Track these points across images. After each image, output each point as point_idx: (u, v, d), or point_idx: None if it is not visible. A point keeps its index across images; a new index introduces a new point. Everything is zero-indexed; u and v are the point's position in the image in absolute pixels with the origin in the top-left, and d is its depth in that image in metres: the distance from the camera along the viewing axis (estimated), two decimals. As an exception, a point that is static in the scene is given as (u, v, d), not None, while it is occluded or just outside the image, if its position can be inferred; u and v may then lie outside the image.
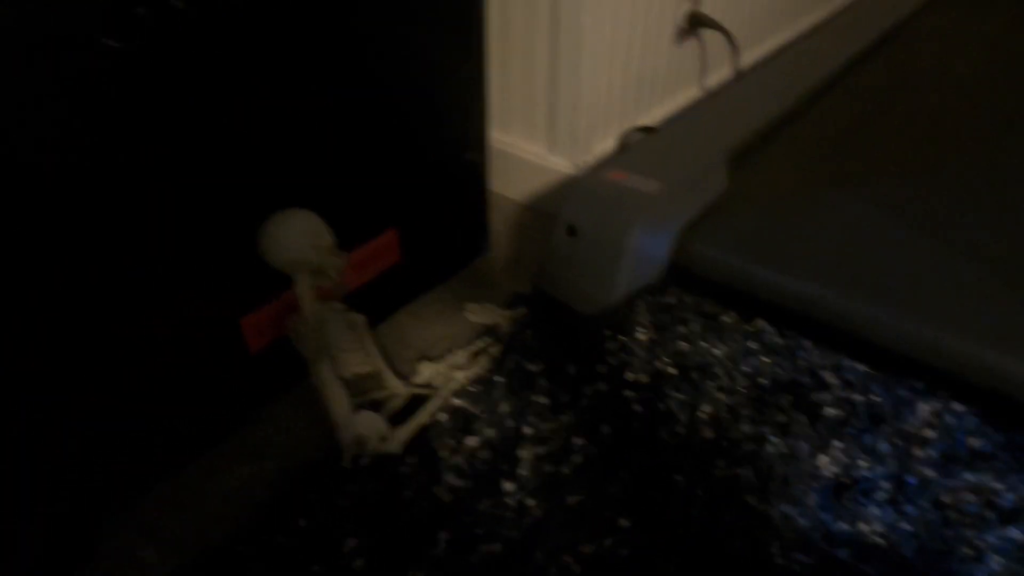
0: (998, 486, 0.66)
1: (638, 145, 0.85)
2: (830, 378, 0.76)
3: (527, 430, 0.73)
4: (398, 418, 0.74)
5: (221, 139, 0.64)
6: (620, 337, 0.82)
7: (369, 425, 0.68)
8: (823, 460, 0.68)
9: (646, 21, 1.10)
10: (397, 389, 0.74)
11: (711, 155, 0.80)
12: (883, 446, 0.69)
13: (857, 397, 0.74)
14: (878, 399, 0.74)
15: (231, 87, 0.63)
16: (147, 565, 0.62)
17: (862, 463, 0.68)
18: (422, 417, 0.72)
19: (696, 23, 1.22)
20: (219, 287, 0.69)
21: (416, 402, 0.76)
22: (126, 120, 0.56)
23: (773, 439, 0.70)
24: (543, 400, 0.76)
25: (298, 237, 0.66)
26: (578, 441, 0.72)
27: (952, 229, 0.83)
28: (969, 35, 1.30)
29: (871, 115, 1.01)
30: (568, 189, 0.78)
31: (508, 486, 0.67)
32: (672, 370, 0.78)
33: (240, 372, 0.74)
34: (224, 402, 0.74)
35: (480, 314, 0.87)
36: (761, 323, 0.84)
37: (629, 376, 0.78)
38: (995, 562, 0.60)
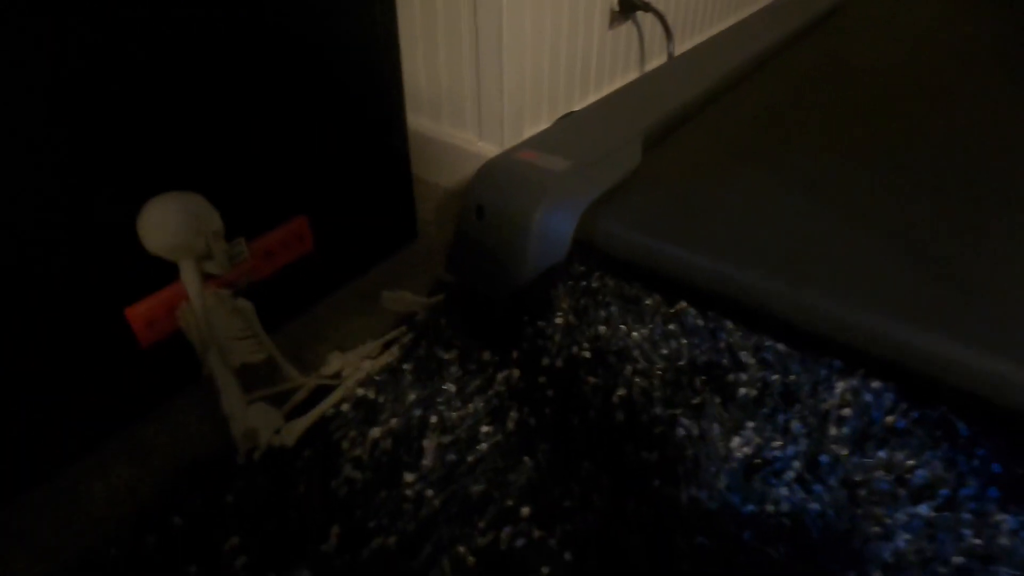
0: (911, 463, 0.64)
1: (554, 126, 0.83)
2: (747, 358, 0.74)
3: (434, 419, 0.70)
4: (302, 410, 0.71)
5: (104, 109, 0.60)
6: (538, 322, 0.80)
7: (261, 417, 0.65)
8: (735, 441, 0.66)
9: (573, 4, 1.08)
10: (298, 380, 0.71)
11: (625, 134, 0.78)
12: (797, 425, 0.67)
13: (773, 377, 0.72)
14: (795, 378, 0.72)
15: (117, 52, 0.59)
16: (15, 574, 0.58)
17: (775, 443, 0.66)
18: (321, 408, 0.69)
19: (629, 7, 1.21)
20: (100, 274, 0.65)
21: (323, 394, 0.73)
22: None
23: (684, 421, 0.68)
24: (452, 388, 0.73)
25: (179, 221, 0.62)
26: (486, 429, 0.69)
27: (863, 206, 0.81)
28: (898, 21, 1.30)
29: (792, 97, 1.00)
30: (476, 170, 0.75)
31: (409, 477, 0.64)
32: (588, 354, 0.76)
33: (129, 366, 0.70)
34: (111, 398, 0.70)
35: (396, 302, 0.84)
36: (683, 304, 0.82)
37: (544, 362, 0.76)
38: (902, 539, 0.58)
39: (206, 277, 0.70)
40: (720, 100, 0.93)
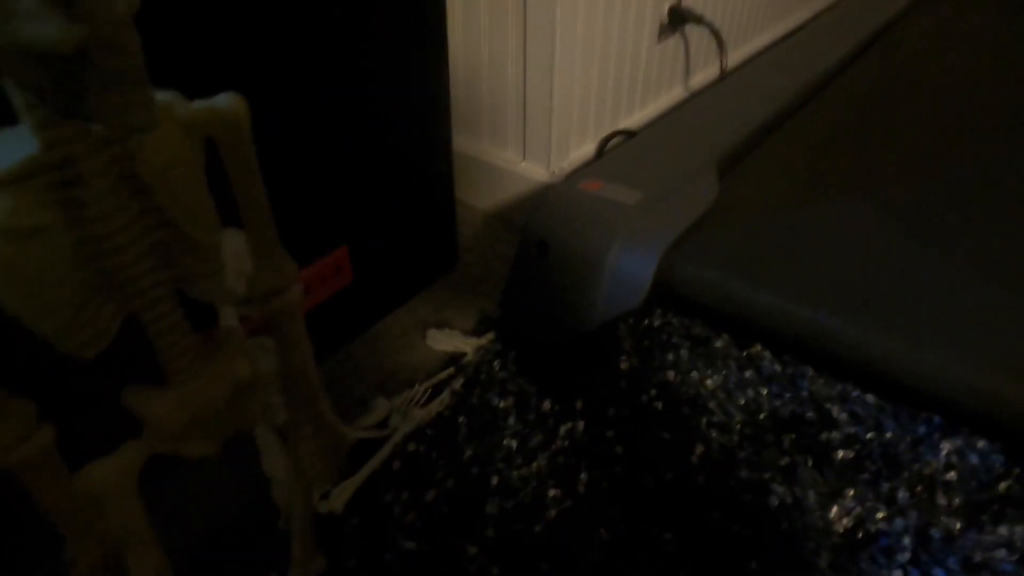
0: (1034, 539, 0.57)
1: (616, 151, 0.76)
2: (836, 412, 0.67)
3: (495, 480, 0.63)
4: (343, 467, 0.64)
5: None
6: (600, 367, 0.73)
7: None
8: (834, 512, 0.59)
9: (624, 17, 1.01)
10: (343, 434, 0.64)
11: (699, 161, 0.72)
12: (902, 494, 0.60)
13: (868, 435, 0.65)
14: (891, 436, 0.65)
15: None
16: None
17: (878, 515, 0.59)
18: (368, 468, 0.63)
19: (679, 19, 1.14)
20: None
21: (366, 446, 0.67)
22: None
23: (776, 488, 0.61)
24: (513, 443, 0.66)
25: (219, 262, 0.56)
26: (553, 492, 0.62)
27: (967, 243, 0.74)
28: (966, 30, 1.23)
29: (862, 117, 0.93)
30: (537, 201, 0.69)
31: (471, 550, 0.58)
32: (658, 404, 0.69)
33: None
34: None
35: (443, 341, 0.78)
36: (757, 348, 0.75)
37: (610, 412, 0.69)
38: (1039, 636, 0.51)
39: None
40: (786, 123, 0.86)
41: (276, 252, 0.44)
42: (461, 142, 1.10)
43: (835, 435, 0.65)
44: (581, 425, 0.68)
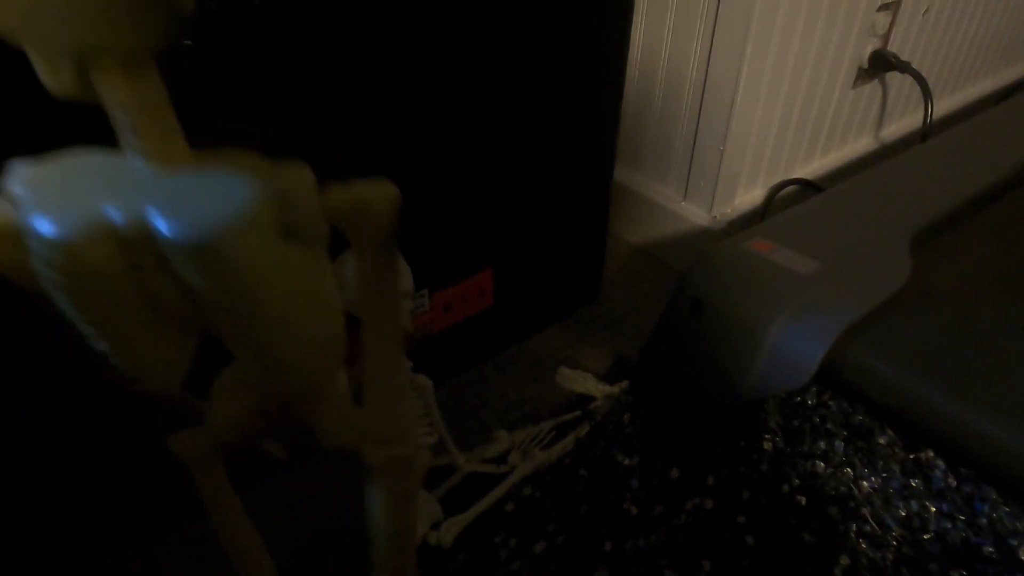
0: None
1: (792, 210, 0.69)
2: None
3: (608, 544, 0.59)
4: (453, 496, 0.63)
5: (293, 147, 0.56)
6: (740, 443, 0.67)
7: (421, 507, 0.58)
8: (1006, 677, 0.50)
9: (821, 56, 0.93)
10: (459, 463, 0.63)
11: (890, 233, 0.63)
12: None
13: (1064, 591, 0.54)
14: (1094, 597, 0.54)
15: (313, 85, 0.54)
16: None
17: None
18: (483, 505, 0.61)
19: (881, 65, 1.04)
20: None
21: (480, 479, 0.65)
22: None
23: (936, 632, 0.52)
24: (634, 510, 0.62)
25: (371, 277, 0.57)
26: (668, 574, 0.57)
27: None
28: None
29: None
30: (697, 254, 0.64)
31: (572, 617, 0.54)
32: (802, 498, 0.62)
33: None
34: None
35: (573, 381, 0.75)
36: (929, 454, 0.65)
37: (744, 495, 0.63)
38: None
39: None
40: (1003, 198, 0.75)
41: (396, 392, 0.37)
42: (618, 170, 1.06)
43: (1019, 582, 0.55)
44: (710, 504, 0.62)
